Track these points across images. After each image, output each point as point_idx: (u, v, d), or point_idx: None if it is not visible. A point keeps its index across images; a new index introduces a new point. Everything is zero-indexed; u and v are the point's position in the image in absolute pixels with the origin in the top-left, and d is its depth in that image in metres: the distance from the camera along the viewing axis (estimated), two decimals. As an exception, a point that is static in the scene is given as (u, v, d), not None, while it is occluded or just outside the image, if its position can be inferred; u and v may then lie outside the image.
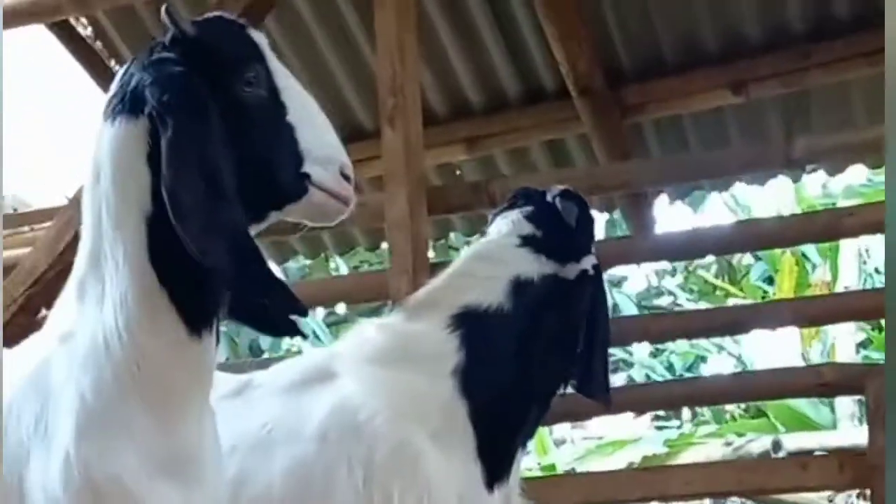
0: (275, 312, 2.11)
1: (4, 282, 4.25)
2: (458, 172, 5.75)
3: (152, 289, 2.03)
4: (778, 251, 10.80)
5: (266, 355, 10.56)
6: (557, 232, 2.93)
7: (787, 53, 4.96)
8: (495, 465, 2.73)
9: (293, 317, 2.18)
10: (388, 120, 4.11)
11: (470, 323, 2.77)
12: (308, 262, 9.36)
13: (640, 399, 4.70)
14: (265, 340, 11.54)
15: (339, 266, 11.69)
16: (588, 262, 2.90)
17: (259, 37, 2.16)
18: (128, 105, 2.05)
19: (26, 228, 5.22)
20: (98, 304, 2.07)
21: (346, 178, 2.12)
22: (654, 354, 12.61)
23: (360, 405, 2.66)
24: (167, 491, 2.04)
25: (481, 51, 5.28)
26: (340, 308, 11.65)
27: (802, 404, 8.21)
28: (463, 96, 5.47)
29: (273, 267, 2.34)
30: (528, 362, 2.79)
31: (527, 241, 2.90)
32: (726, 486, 3.82)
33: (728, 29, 5.08)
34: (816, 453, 5.87)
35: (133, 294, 2.03)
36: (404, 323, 2.99)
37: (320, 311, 11.78)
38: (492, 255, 2.92)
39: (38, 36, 5.03)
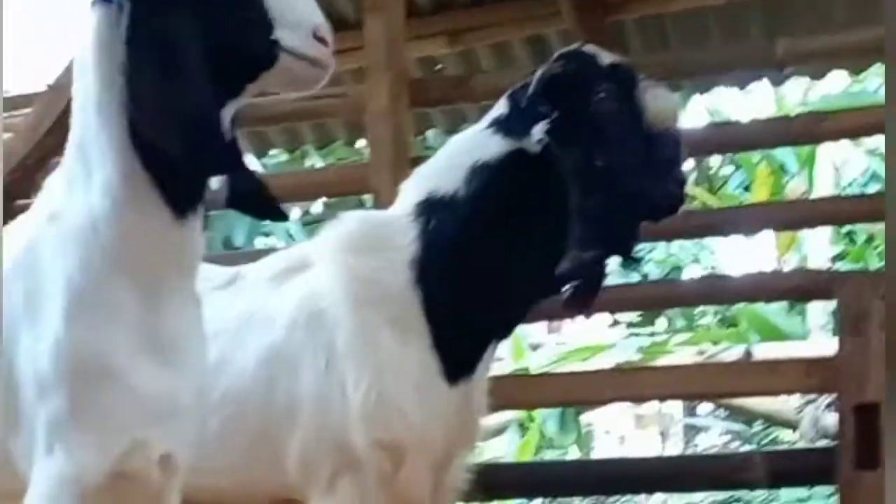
0: (235, 191, 2.12)
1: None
2: (439, 66, 5.70)
3: (135, 172, 2.04)
4: (754, 160, 10.84)
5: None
6: (519, 106, 2.74)
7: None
8: (454, 358, 2.70)
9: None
10: (369, 9, 4.06)
11: (429, 212, 2.72)
12: (284, 157, 9.37)
13: (615, 300, 4.69)
14: (238, 236, 11.54)
15: (316, 164, 11.65)
16: (539, 130, 2.67)
17: None
18: None
19: (5, 114, 5.17)
20: (85, 187, 2.09)
21: (321, 40, 2.05)
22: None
23: (326, 293, 2.69)
24: (152, 369, 2.07)
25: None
26: (317, 207, 11.63)
27: (774, 315, 8.31)
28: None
29: (247, 155, 2.31)
30: (486, 252, 2.69)
31: (493, 123, 2.77)
32: (698, 389, 3.87)
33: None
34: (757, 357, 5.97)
35: (117, 177, 2.05)
36: (377, 212, 2.99)
37: (296, 211, 11.76)
38: (460, 143, 2.84)
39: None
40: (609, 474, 4.00)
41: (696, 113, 12.46)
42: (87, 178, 2.08)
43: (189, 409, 2.14)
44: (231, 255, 6.78)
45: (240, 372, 2.76)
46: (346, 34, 4.83)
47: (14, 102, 5.05)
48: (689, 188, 12.36)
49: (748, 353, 6.42)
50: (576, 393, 3.93)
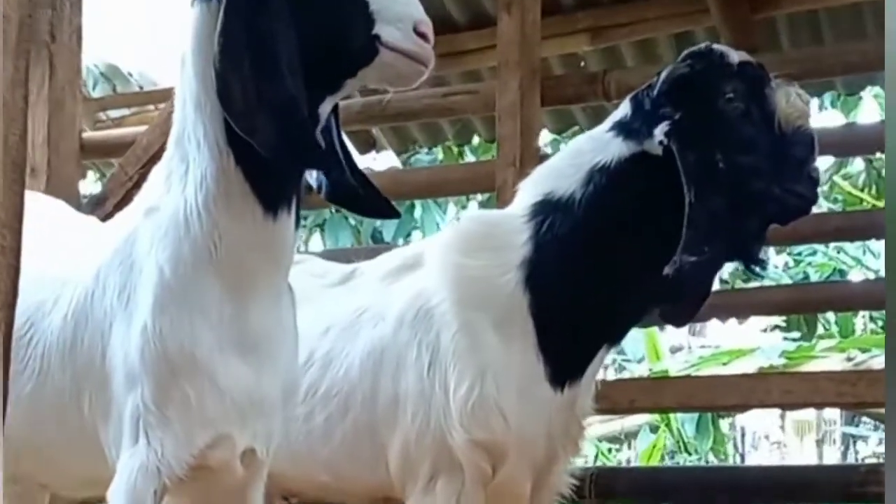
0: (335, 188, 2.12)
1: (121, 159, 4.36)
2: (582, 64, 5.62)
3: (229, 168, 2.06)
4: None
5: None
6: (642, 107, 2.68)
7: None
8: (561, 362, 2.65)
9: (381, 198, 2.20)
10: (505, 6, 4.03)
11: (544, 212, 2.68)
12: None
13: (755, 302, 4.56)
14: (388, 230, 11.64)
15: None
16: (661, 131, 2.60)
17: None
18: None
19: (151, 107, 5.33)
20: (181, 182, 2.11)
21: (422, 35, 2.03)
22: (789, 266, 12.34)
23: (434, 292, 2.67)
24: (238, 365, 2.09)
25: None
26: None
27: (929, 319, 7.96)
28: (589, -15, 5.32)
29: (352, 151, 2.30)
30: (600, 256, 2.64)
31: (615, 126, 2.71)
32: (824, 398, 3.71)
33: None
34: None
35: (212, 173, 2.07)
36: (494, 212, 2.95)
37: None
38: (581, 144, 2.80)
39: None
40: (715, 483, 3.89)
41: (869, 109, 12.07)
42: (185, 173, 2.11)
43: (274, 406, 2.16)
44: (346, 251, 6.83)
45: (347, 368, 2.78)
46: (488, 31, 4.84)
47: (159, 95, 5.20)
48: (857, 193, 12.08)
49: (900, 362, 6.15)
50: (698, 396, 3.81)
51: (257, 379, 2.11)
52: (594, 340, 2.71)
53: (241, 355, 2.09)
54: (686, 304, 2.66)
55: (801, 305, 4.36)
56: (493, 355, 2.62)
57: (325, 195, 2.22)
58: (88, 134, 4.78)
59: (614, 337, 2.80)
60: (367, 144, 5.64)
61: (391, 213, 2.30)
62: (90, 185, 7.13)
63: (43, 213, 2.50)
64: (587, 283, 2.65)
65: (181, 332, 2.06)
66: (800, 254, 12.48)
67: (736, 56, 2.68)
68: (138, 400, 2.05)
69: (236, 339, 2.09)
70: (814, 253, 11.76)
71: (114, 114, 5.74)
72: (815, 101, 5.22)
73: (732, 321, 9.78)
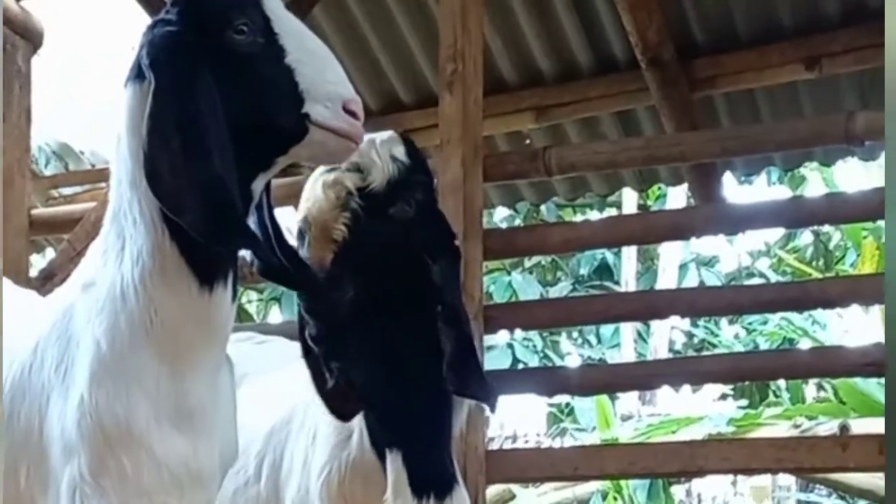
0: (262, 263, 2.17)
1: (69, 235, 4.40)
2: (527, 142, 5.75)
3: (164, 244, 2.11)
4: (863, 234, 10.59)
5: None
6: None
7: (861, 29, 4.85)
8: None
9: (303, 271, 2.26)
10: (447, 85, 4.11)
11: None
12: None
13: (703, 370, 4.57)
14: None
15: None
16: None
17: None
18: (134, 70, 2.12)
19: (103, 185, 5.35)
20: (118, 258, 2.16)
21: (351, 113, 2.09)
22: (738, 337, 12.44)
23: None
24: (174, 436, 2.13)
25: (552, 20, 5.26)
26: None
27: (876, 389, 8.06)
28: (534, 65, 5.46)
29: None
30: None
31: None
32: (764, 464, 3.76)
33: (804, 3, 4.99)
34: (854, 433, 5.77)
35: (147, 249, 2.12)
36: None
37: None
38: None
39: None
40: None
41: (814, 183, 12.30)
42: (121, 249, 2.16)
43: (212, 476, 2.19)
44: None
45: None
46: (435, 110, 4.92)
47: (104, 174, 5.22)
48: (803, 267, 12.28)
49: (844, 427, 6.23)
50: (639, 463, 3.85)
51: (194, 449, 2.14)
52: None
53: (178, 426, 2.12)
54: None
55: (748, 374, 4.42)
56: None
57: (257, 270, 2.27)
58: (38, 210, 4.81)
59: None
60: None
61: (317, 286, 2.35)
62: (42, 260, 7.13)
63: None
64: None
65: (117, 404, 2.09)
66: (751, 323, 12.62)
67: None
68: (75, 471, 2.08)
69: (172, 411, 2.12)
70: (765, 322, 11.88)
71: (66, 191, 5.78)
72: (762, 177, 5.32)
73: (685, 389, 9.85)
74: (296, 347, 3.00)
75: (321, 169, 2.51)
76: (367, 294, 2.44)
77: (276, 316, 12.72)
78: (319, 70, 2.10)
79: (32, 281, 4.23)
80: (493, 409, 2.68)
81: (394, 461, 2.51)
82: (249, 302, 13.19)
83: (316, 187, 2.47)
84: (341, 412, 2.54)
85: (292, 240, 2.47)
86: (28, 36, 4.54)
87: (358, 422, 2.59)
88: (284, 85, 2.07)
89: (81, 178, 6.02)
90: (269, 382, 2.93)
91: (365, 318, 2.45)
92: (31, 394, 2.20)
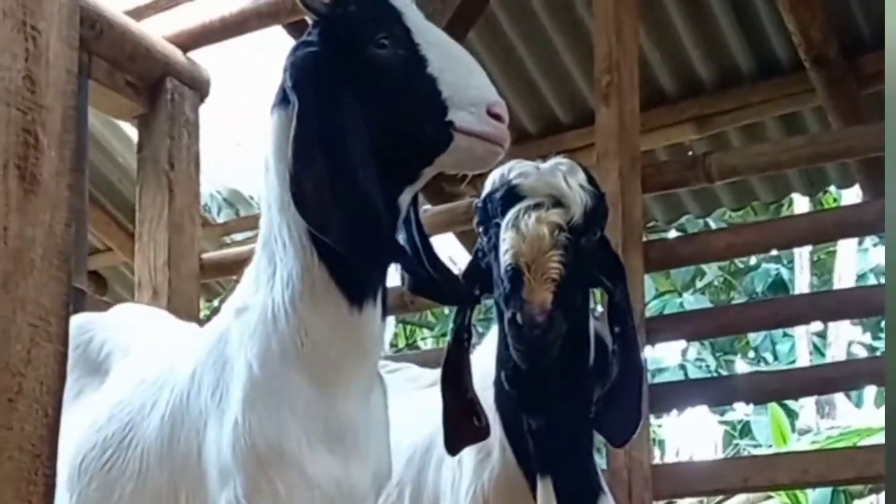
0: (414, 279, 2.15)
1: (238, 276, 4.47)
2: (690, 153, 5.61)
3: (312, 265, 2.10)
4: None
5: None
6: None
7: None
8: None
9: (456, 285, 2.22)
10: (602, 97, 4.05)
11: None
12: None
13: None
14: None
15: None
16: None
17: None
18: (279, 95, 2.14)
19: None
20: (269, 282, 2.17)
21: (496, 116, 2.04)
22: None
23: None
24: (327, 460, 2.11)
25: (710, 25, 5.14)
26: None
27: None
28: (693, 74, 5.34)
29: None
30: None
31: None
32: (850, 473, 3.55)
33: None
34: None
35: (297, 271, 2.11)
36: None
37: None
38: None
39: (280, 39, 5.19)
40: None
41: None
42: (272, 274, 2.17)
43: (364, 496, 2.16)
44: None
45: None
46: (590, 129, 4.84)
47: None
48: None
49: None
50: (814, 472, 3.65)
51: (346, 470, 2.12)
52: None
53: (329, 447, 2.11)
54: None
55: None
56: None
57: (407, 286, 2.25)
58: (207, 255, 4.92)
59: None
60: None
61: (469, 299, 2.31)
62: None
63: (143, 321, 2.59)
64: None
65: (269, 426, 2.08)
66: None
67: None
68: (231, 495, 2.08)
69: (324, 432, 2.11)
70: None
71: (238, 237, 5.91)
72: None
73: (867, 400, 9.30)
74: (430, 374, 3.00)
75: (514, 210, 2.46)
76: (570, 331, 2.42)
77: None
78: (462, 77, 2.07)
79: (204, 323, 4.32)
80: (615, 445, 2.74)
81: (545, 486, 2.52)
82: (423, 339, 13.22)
83: (522, 225, 2.43)
84: (457, 446, 2.60)
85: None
86: (195, 85, 4.65)
87: (496, 439, 2.60)
88: (427, 94, 2.04)
89: (253, 223, 6.13)
90: (406, 406, 2.91)
91: (565, 359, 2.44)
92: (190, 419, 2.22)
